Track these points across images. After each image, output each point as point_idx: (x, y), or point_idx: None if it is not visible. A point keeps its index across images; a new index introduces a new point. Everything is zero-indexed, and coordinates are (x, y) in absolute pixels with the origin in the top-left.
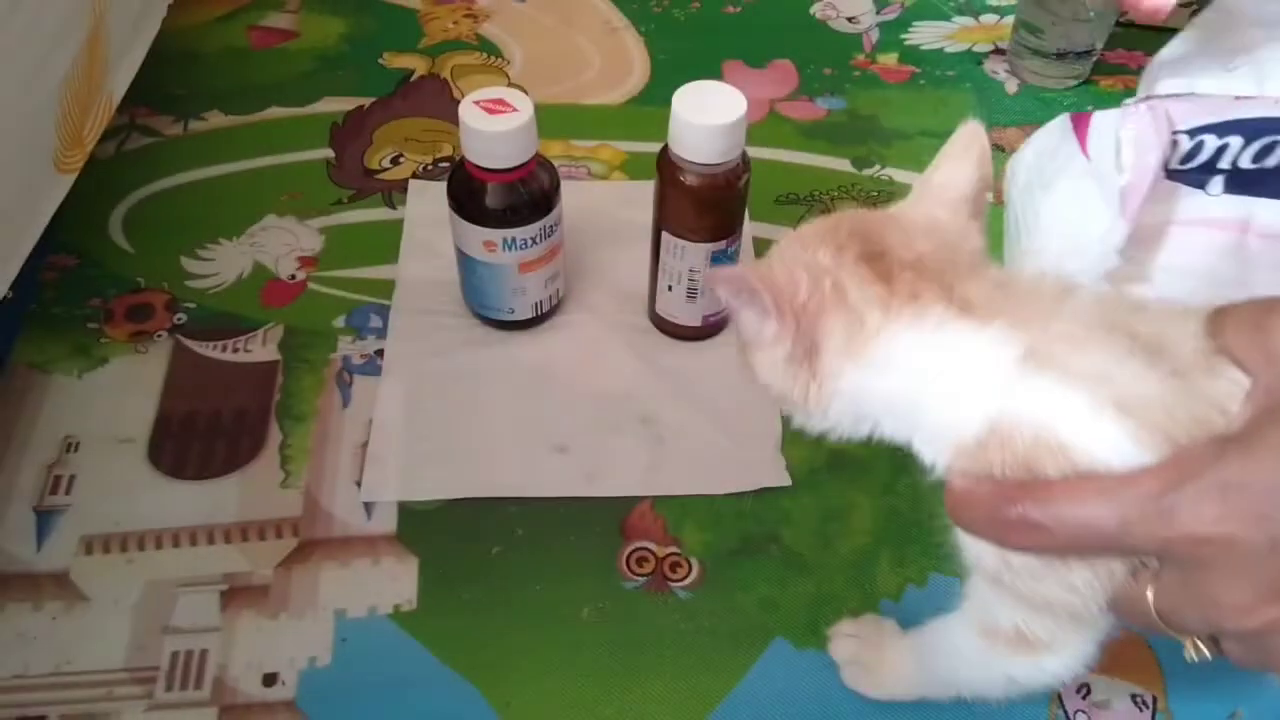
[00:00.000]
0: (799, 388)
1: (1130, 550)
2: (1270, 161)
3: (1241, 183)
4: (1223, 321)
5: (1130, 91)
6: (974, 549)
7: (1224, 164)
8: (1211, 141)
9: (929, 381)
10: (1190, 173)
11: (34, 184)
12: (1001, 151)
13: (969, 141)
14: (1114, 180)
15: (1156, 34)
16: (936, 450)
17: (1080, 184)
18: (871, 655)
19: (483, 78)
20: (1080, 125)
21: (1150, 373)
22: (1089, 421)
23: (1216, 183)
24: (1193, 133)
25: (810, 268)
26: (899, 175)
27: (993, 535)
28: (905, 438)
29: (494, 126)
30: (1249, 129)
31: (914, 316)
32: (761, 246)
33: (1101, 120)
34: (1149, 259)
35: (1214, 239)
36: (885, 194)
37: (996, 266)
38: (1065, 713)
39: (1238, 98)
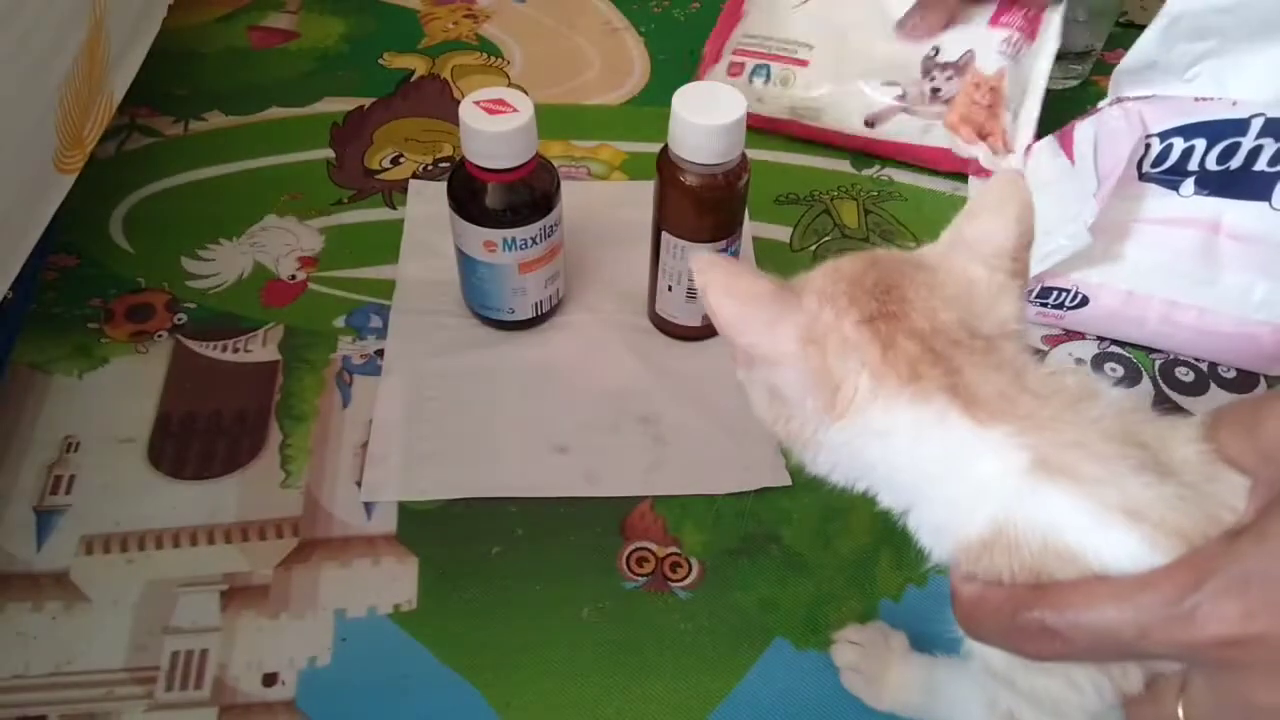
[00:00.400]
0: (781, 425)
1: (1151, 656)
2: (1234, 163)
3: (1210, 184)
4: (1217, 426)
5: None
6: (983, 650)
7: (1192, 165)
8: (1179, 144)
9: (925, 471)
10: (1162, 175)
11: (34, 184)
12: None
13: (1007, 192)
14: (1091, 171)
15: None
16: (934, 540)
17: (1062, 185)
18: (874, 668)
19: (483, 78)
20: (1065, 137)
21: (1160, 481)
22: (1099, 529)
23: (1188, 184)
24: (1163, 135)
25: (808, 318)
26: (898, 175)
27: (1008, 644)
28: (900, 515)
29: (494, 127)
30: (1211, 131)
31: (912, 399)
32: (761, 246)
33: (1083, 126)
34: (1123, 253)
35: (1187, 237)
36: (885, 194)
37: (1015, 344)
38: None
39: (1197, 99)
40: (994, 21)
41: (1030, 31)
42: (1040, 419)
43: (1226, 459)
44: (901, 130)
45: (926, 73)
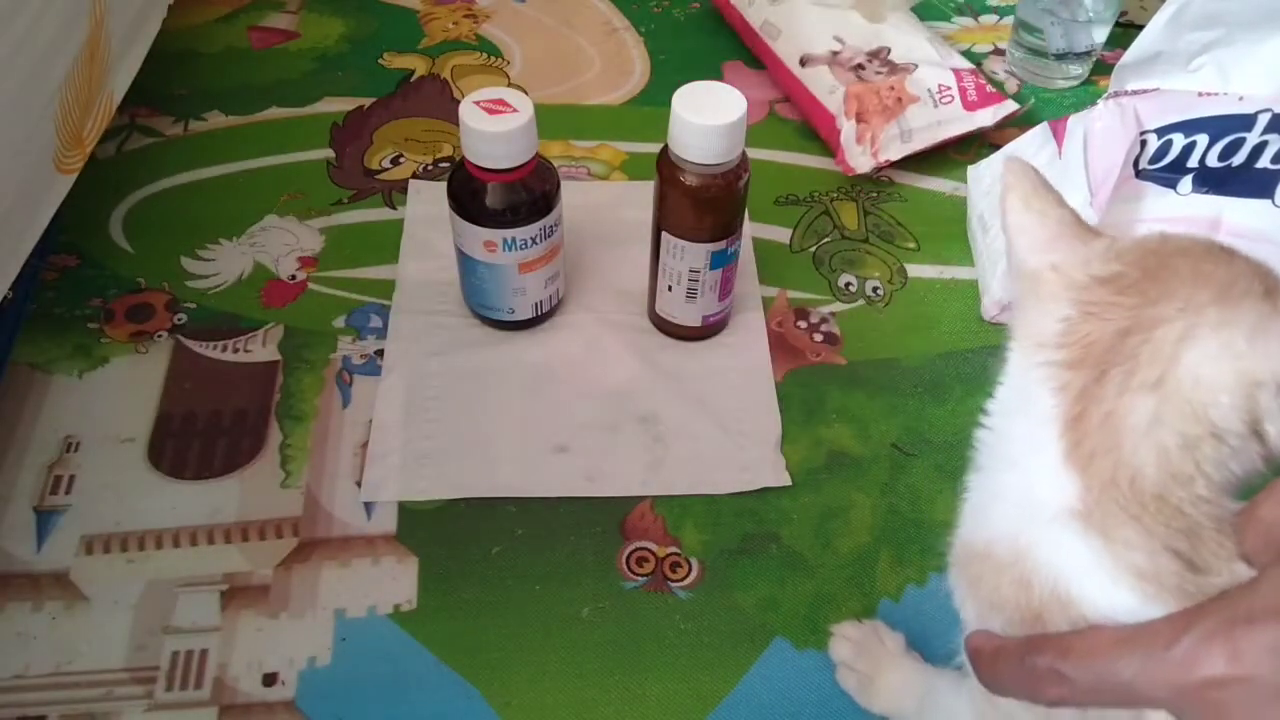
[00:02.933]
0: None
1: (1145, 702)
2: (1236, 160)
3: (1209, 181)
4: (1237, 524)
5: None
6: (1004, 703)
7: (1192, 162)
8: (1179, 140)
9: (1011, 447)
10: (1160, 172)
11: (34, 184)
12: (996, 149)
13: None
14: (1082, 172)
15: None
16: (968, 512)
17: (1057, 182)
18: (868, 668)
19: (483, 78)
20: (1058, 128)
21: (1183, 568)
22: (1108, 585)
23: (1186, 182)
24: (1161, 131)
25: (1078, 257)
26: (898, 177)
27: (1021, 689)
28: (971, 471)
29: (494, 127)
30: (1214, 126)
31: (1049, 393)
32: (761, 247)
33: (1075, 120)
34: None
35: None
36: (885, 195)
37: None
38: None
39: (1201, 94)
40: (958, 73)
41: (975, 103)
42: (1121, 500)
43: (1245, 557)
44: (816, 79)
45: (872, 54)
